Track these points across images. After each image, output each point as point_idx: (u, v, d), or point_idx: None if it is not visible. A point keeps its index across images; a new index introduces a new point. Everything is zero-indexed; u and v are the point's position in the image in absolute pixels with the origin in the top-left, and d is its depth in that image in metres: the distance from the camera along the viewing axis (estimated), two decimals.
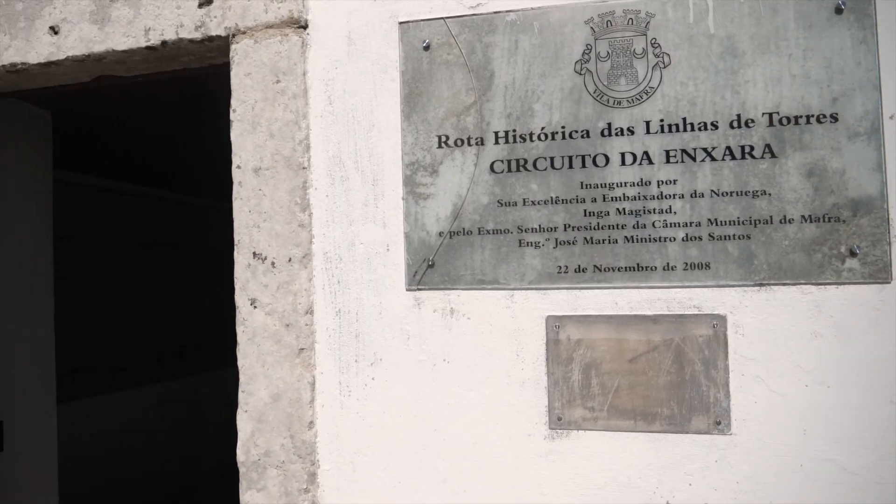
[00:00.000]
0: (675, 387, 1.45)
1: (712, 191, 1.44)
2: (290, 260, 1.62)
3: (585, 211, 1.49)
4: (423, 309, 1.56)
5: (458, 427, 1.53)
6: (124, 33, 1.77)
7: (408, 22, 1.58)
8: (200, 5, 1.70)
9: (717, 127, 1.44)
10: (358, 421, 1.58)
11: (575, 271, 1.49)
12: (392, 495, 1.56)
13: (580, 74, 1.50)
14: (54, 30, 1.85)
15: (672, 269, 1.45)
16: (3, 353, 2.29)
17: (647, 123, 1.47)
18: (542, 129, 1.51)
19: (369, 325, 1.59)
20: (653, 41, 1.47)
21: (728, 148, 1.43)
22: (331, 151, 1.62)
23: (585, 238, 1.49)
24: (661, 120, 1.46)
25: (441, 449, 1.53)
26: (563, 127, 1.50)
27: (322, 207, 1.63)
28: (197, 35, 1.70)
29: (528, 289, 1.51)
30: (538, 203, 1.51)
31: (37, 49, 1.88)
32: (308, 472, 1.59)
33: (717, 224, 1.43)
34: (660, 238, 1.45)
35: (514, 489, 1.49)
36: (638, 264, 1.46)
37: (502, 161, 1.53)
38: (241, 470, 1.64)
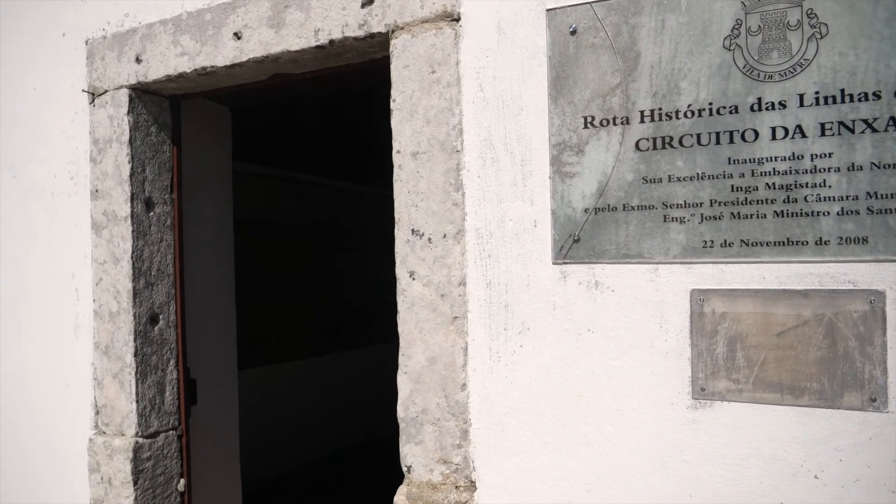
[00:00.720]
0: (826, 362, 1.44)
1: (872, 163, 1.41)
2: (444, 236, 1.76)
3: (733, 186, 1.50)
4: (568, 281, 1.65)
5: (601, 393, 1.60)
6: (297, 35, 1.98)
7: (555, 9, 1.66)
8: (363, 5, 1.87)
9: (879, 97, 1.40)
10: (507, 385, 1.70)
11: (721, 246, 1.51)
12: (538, 454, 1.67)
13: (729, 50, 1.51)
14: (237, 35, 2.10)
15: (825, 243, 1.44)
16: (196, 322, 2.63)
17: (801, 97, 1.46)
18: (689, 106, 1.54)
19: (517, 297, 1.70)
20: (808, 12, 1.45)
21: (892, 118, 1.39)
22: (482, 135, 1.74)
23: (732, 213, 1.50)
24: (816, 92, 1.44)
25: (585, 413, 1.62)
26: (710, 103, 1.52)
27: (474, 187, 1.75)
28: (360, 33, 1.88)
29: (672, 263, 1.55)
30: (684, 179, 1.54)
31: (223, 53, 2.14)
32: (461, 429, 1.73)
33: (876, 197, 1.40)
34: (812, 212, 1.44)
35: (657, 454, 1.55)
36: (788, 239, 1.46)
37: (647, 139, 1.58)
38: (401, 425, 1.81)
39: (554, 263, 1.67)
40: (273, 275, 5.45)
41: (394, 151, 1.83)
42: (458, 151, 1.75)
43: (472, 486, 1.74)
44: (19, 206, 2.70)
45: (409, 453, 1.80)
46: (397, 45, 1.82)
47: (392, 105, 1.84)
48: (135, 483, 2.33)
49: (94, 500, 2.42)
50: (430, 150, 1.78)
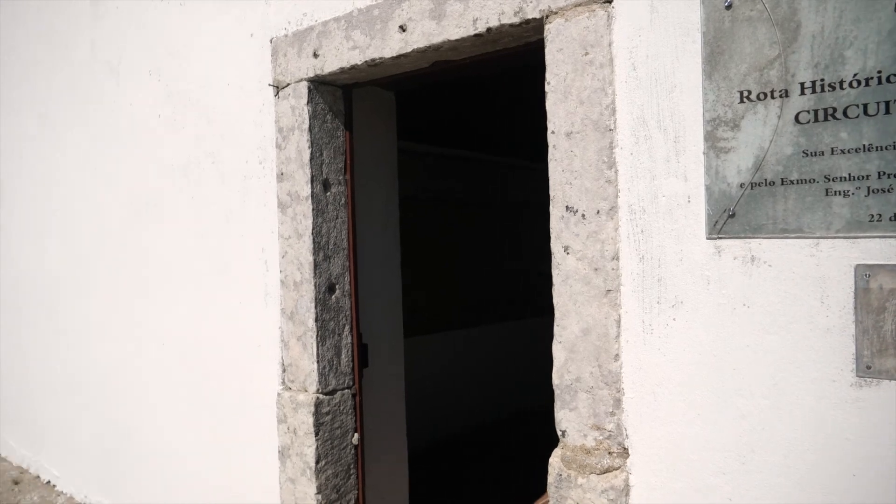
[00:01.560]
0: None
1: None
2: (598, 212, 1.83)
3: None
4: (723, 256, 1.66)
5: (757, 368, 1.61)
6: (456, 25, 2.11)
7: None
8: None
9: None
10: (659, 356, 1.75)
11: (890, 220, 1.46)
12: (690, 425, 1.71)
13: None
14: (402, 28, 2.27)
15: None
16: (367, 291, 2.89)
17: None
18: (855, 75, 1.49)
19: (670, 271, 1.74)
20: None
21: None
22: (634, 113, 1.78)
23: None
24: None
25: (740, 386, 1.64)
26: (878, 72, 1.47)
27: (626, 164, 1.80)
28: (515, 20, 1.97)
29: (834, 237, 1.52)
30: (848, 151, 1.50)
31: (389, 45, 2.32)
32: (614, 398, 1.81)
33: None
34: None
35: (816, 431, 1.54)
36: None
37: (808, 111, 1.54)
38: (556, 392, 1.92)
39: (708, 238, 1.69)
40: (435, 248, 5.72)
41: (548, 132, 1.92)
42: (610, 130, 1.81)
43: (624, 452, 1.82)
44: (217, 188, 3.09)
45: (564, 418, 1.90)
46: (551, 30, 1.90)
47: (546, 87, 1.92)
48: (316, 434, 2.63)
49: (282, 447, 2.76)
50: (584, 130, 1.84)
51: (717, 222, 1.68)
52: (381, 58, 2.34)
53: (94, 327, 4.17)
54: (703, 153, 1.69)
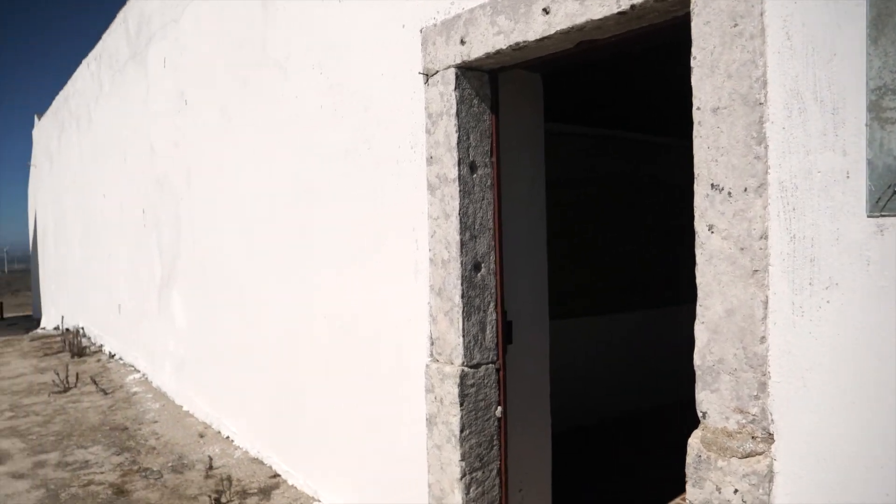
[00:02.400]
0: None
1: None
2: (745, 189, 1.77)
3: None
4: (885, 235, 1.56)
5: None
6: (600, 3, 2.11)
7: None
8: None
9: None
10: (810, 340, 1.68)
11: None
12: (844, 413, 1.62)
13: None
14: (546, 11, 2.29)
15: None
16: (513, 270, 2.96)
17: None
18: None
19: (825, 251, 1.65)
20: None
21: None
22: (787, 85, 1.70)
23: None
24: None
25: None
26: None
27: (777, 139, 1.72)
28: None
29: None
30: None
31: (533, 28, 2.36)
32: (759, 381, 1.75)
33: None
34: None
35: None
36: None
37: None
38: (697, 373, 1.89)
39: (869, 216, 1.58)
40: (585, 230, 5.68)
41: (693, 108, 1.88)
42: (760, 104, 1.74)
43: (769, 437, 1.76)
44: (372, 172, 3.29)
45: (705, 400, 1.87)
46: (698, 3, 1.85)
47: (692, 62, 1.88)
48: (461, 404, 2.75)
49: (429, 415, 2.92)
50: (731, 105, 1.79)
51: (879, 199, 1.57)
52: (525, 41, 2.38)
53: (265, 300, 4.60)
54: (866, 125, 1.58)
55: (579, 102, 5.21)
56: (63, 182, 12.89)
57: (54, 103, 13.28)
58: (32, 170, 17.88)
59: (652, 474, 4.47)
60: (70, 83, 11.54)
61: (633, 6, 2.01)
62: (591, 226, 5.77)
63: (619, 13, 2.06)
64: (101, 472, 4.87)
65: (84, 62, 10.23)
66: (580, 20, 2.18)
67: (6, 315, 22.80)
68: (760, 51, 1.74)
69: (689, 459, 1.89)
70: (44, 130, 15.21)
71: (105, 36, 8.79)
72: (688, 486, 1.91)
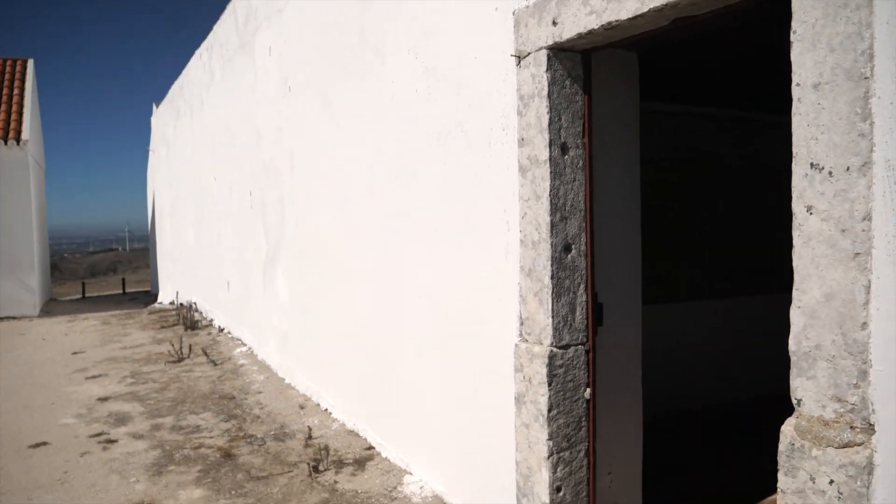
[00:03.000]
0: None
1: None
2: (847, 169, 1.69)
3: None
4: None
5: None
6: None
7: None
8: None
9: None
10: None
11: None
12: None
13: None
14: None
15: None
16: (603, 253, 2.95)
17: None
18: None
19: None
20: None
21: None
22: None
23: None
24: None
25: None
26: None
27: (885, 115, 1.64)
28: None
29: None
30: None
31: (626, 7, 2.32)
32: (859, 369, 1.69)
33: None
34: None
35: None
36: None
37: None
38: (793, 359, 1.83)
39: None
40: (685, 213, 5.51)
41: (793, 84, 1.81)
42: (866, 78, 1.65)
43: (869, 428, 1.69)
44: (464, 154, 3.34)
45: (800, 387, 1.82)
46: None
47: (792, 37, 1.81)
48: (549, 384, 2.78)
49: (518, 394, 2.96)
50: (834, 80, 1.71)
51: None
52: (617, 20, 2.36)
53: (362, 279, 4.76)
54: None
55: (680, 80, 5.05)
56: (178, 166, 13.72)
57: (170, 92, 14.11)
58: (150, 155, 19.11)
59: (749, 467, 4.33)
60: (184, 73, 12.22)
61: None
62: (689, 207, 5.59)
63: None
64: (211, 437, 5.22)
65: (197, 52, 10.81)
66: None
67: (128, 290, 24.59)
68: (867, 22, 1.65)
69: (781, 447, 1.84)
70: (161, 118, 16.20)
71: (216, 27, 9.25)
72: (780, 475, 1.86)
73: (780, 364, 2.47)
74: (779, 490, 1.87)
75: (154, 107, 17.52)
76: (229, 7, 8.33)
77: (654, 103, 5.02)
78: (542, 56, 2.73)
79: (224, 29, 8.79)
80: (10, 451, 5.07)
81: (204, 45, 10.18)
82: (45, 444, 5.24)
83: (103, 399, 6.56)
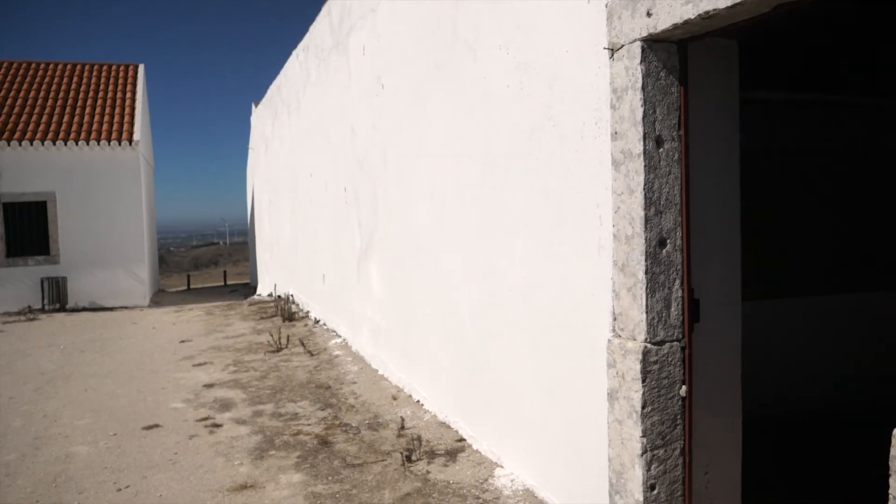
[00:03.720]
0: None
1: None
2: None
3: None
4: None
5: None
6: None
7: None
8: None
9: None
10: None
11: None
12: None
13: None
14: None
15: None
16: (700, 248, 2.88)
17: None
18: None
19: None
20: None
21: None
22: None
23: None
24: None
25: None
26: None
27: None
28: None
29: None
30: None
31: None
32: None
33: None
34: None
35: None
36: None
37: None
38: None
39: None
40: (791, 205, 5.27)
41: None
42: None
43: None
44: (556, 148, 3.34)
45: None
46: None
47: None
48: (643, 380, 2.75)
49: (611, 390, 2.94)
50: None
51: None
52: (715, 9, 2.30)
53: (453, 272, 4.84)
54: None
55: (787, 66, 4.83)
56: (276, 163, 14.28)
57: (268, 92, 14.70)
58: (250, 152, 19.97)
59: (853, 472, 4.11)
60: (281, 73, 12.70)
61: None
62: (802, 200, 5.32)
63: None
64: (308, 424, 5.44)
65: (293, 53, 11.21)
66: None
67: (228, 282, 25.83)
68: None
69: (893, 451, 1.76)
70: (259, 117, 16.90)
71: (311, 28, 9.57)
72: (891, 480, 1.78)
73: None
74: (890, 496, 1.79)
75: (253, 106, 18.29)
76: (324, 8, 8.60)
77: (762, 91, 4.82)
78: (636, 48, 2.69)
79: (319, 30, 9.08)
80: (127, 432, 5.47)
81: (300, 45, 10.54)
82: (157, 426, 5.62)
83: (209, 385, 6.95)
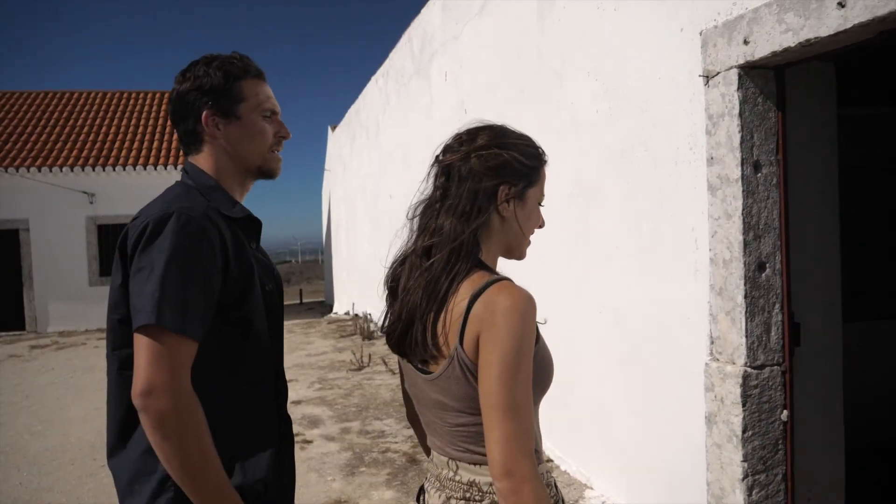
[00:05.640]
0: None
1: None
2: None
3: None
4: None
5: None
6: None
7: None
8: None
9: None
10: None
11: None
12: None
13: None
14: (841, 4, 2.22)
15: None
16: (801, 270, 2.87)
17: None
18: None
19: None
20: None
21: None
22: None
23: None
24: None
25: None
26: None
27: None
28: None
29: None
30: None
31: (826, 24, 2.29)
32: None
33: None
34: None
35: None
36: None
37: None
38: None
39: None
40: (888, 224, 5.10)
41: None
42: None
43: None
44: (648, 172, 3.39)
45: None
46: None
47: None
48: (743, 405, 2.75)
49: (709, 414, 2.95)
50: None
51: None
52: (816, 37, 2.33)
53: (541, 293, 4.89)
54: None
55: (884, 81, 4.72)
56: (354, 184, 14.68)
57: (347, 115, 15.16)
58: (327, 173, 20.57)
59: None
60: (360, 97, 13.10)
61: None
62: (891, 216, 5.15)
63: None
64: (395, 442, 5.58)
65: (373, 79, 11.57)
66: (882, 11, 2.08)
67: (304, 300, 26.51)
68: None
69: None
70: (337, 139, 17.42)
71: (392, 54, 9.87)
72: None
73: None
74: None
75: (329, 129, 18.87)
76: (404, 36, 8.87)
77: (857, 108, 4.71)
78: (733, 75, 2.73)
79: (399, 56, 9.36)
80: None
81: (379, 71, 10.88)
82: None
83: (296, 402, 7.20)
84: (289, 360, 9.94)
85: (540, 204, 1.49)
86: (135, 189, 15.52)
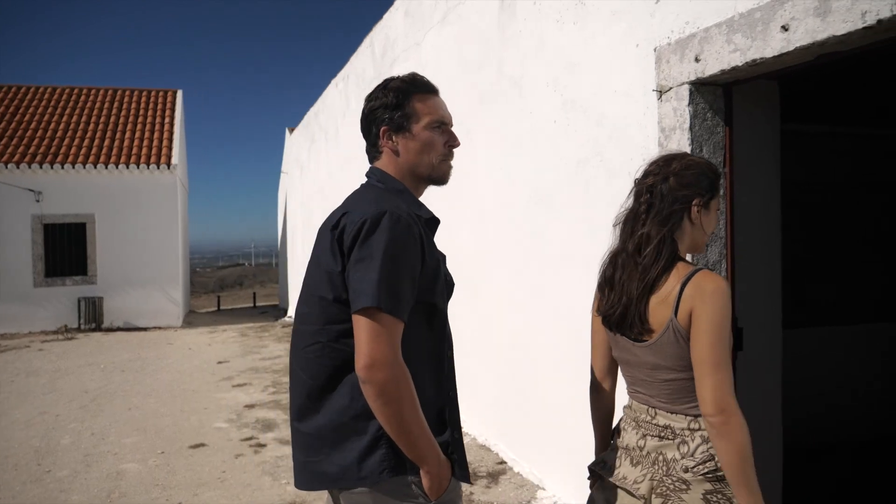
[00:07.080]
0: None
1: None
2: None
3: None
4: None
5: None
6: (843, 20, 2.14)
7: None
8: None
9: None
10: None
11: None
12: None
13: None
14: (785, 28, 2.36)
15: None
16: (744, 277, 3.02)
17: None
18: None
19: None
20: None
21: None
22: None
23: None
24: None
25: None
26: None
27: None
28: None
29: None
30: None
31: (771, 45, 2.43)
32: None
33: None
34: None
35: None
36: None
37: None
38: None
39: None
40: (823, 236, 5.35)
41: None
42: None
43: None
44: (603, 182, 3.51)
45: None
46: None
47: None
48: None
49: None
50: None
51: None
52: (762, 58, 2.47)
53: (496, 299, 5.00)
54: None
55: (825, 100, 4.97)
56: (312, 187, 14.60)
57: (305, 118, 15.09)
58: (283, 176, 20.39)
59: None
60: (319, 101, 13.07)
61: (879, 21, 2.03)
62: (836, 230, 5.41)
63: (865, 28, 2.09)
64: None
65: (333, 82, 11.56)
66: (821, 36, 2.23)
67: (258, 303, 26.19)
68: None
69: None
70: (295, 142, 17.31)
71: (353, 58, 9.89)
72: None
73: None
74: None
75: (287, 132, 18.73)
76: (366, 40, 8.91)
77: (800, 125, 4.94)
78: (684, 91, 2.87)
79: (361, 60, 9.39)
80: (175, 451, 5.66)
81: (340, 74, 10.88)
82: (203, 445, 5.81)
83: (250, 406, 7.15)
84: (242, 363, 9.86)
85: (718, 210, 1.87)
86: (83, 188, 15.14)
